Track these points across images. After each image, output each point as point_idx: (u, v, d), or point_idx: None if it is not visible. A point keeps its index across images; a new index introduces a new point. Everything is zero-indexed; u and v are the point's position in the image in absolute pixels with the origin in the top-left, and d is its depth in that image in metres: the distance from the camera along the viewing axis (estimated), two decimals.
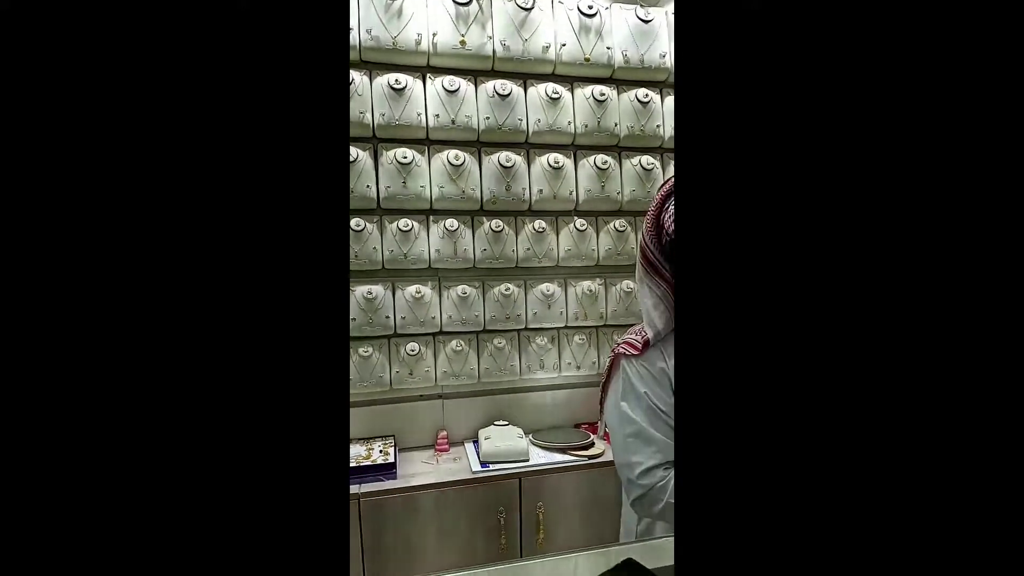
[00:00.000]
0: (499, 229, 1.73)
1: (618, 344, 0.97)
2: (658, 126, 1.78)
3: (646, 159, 1.79)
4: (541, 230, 1.76)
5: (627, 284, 1.83)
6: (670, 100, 1.80)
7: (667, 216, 0.86)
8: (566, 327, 1.84)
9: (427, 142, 1.69)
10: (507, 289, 1.76)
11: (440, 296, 1.74)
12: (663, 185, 0.90)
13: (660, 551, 0.77)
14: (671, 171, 1.80)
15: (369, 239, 1.64)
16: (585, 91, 1.75)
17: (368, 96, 1.59)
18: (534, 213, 1.79)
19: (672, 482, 0.84)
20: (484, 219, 1.74)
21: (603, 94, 1.75)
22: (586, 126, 1.75)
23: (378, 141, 1.65)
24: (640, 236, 0.91)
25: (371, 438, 1.73)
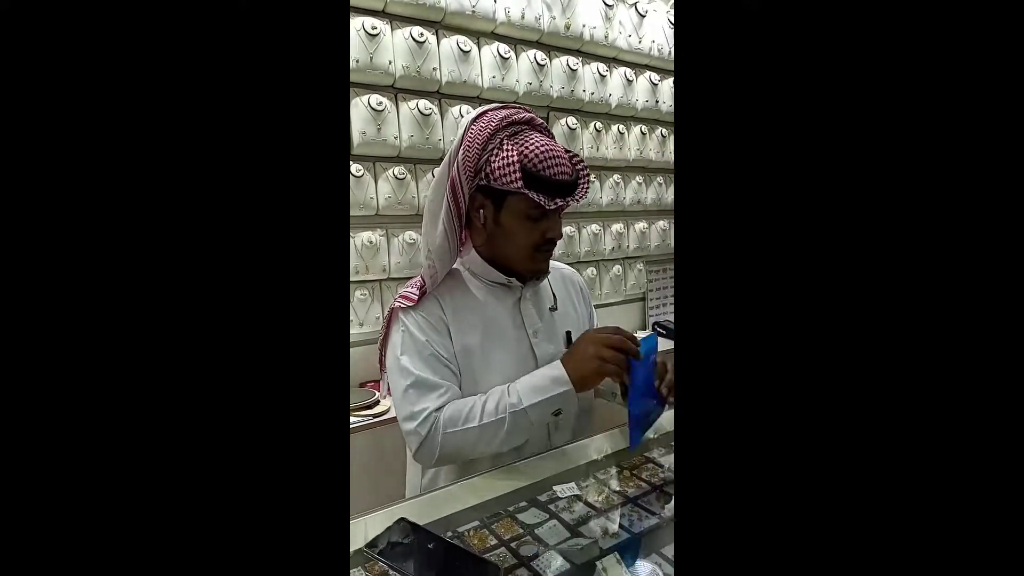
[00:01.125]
0: None
1: (394, 299, 0.92)
2: (434, 69, 1.71)
3: (424, 103, 1.71)
4: None
5: (410, 235, 1.76)
6: (446, 42, 1.74)
7: (495, 156, 0.81)
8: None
9: None
10: None
11: None
12: (475, 122, 0.83)
13: (437, 503, 0.76)
14: (450, 117, 1.77)
15: None
16: (355, 23, 1.59)
17: None
18: None
19: (443, 414, 0.82)
20: None
21: (375, 28, 1.60)
22: (357, 61, 1.59)
23: None
24: (451, 172, 0.83)
25: None
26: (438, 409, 0.83)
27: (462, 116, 1.77)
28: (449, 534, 0.67)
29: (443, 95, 1.79)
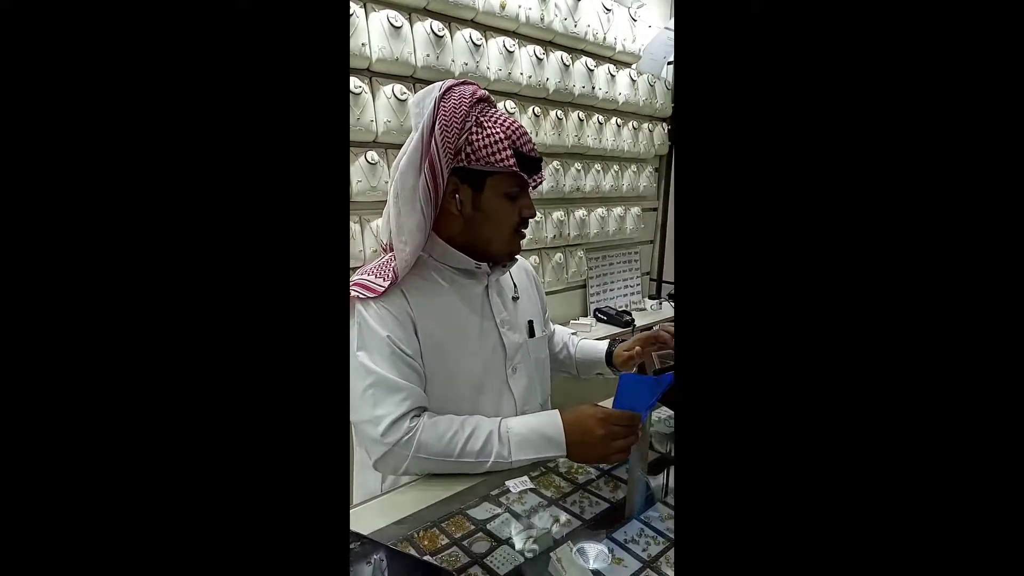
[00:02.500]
0: None
1: (349, 287, 0.82)
2: (410, 53, 1.63)
3: (399, 88, 1.63)
4: None
5: (374, 224, 1.67)
6: (419, 25, 1.66)
7: (476, 135, 0.78)
8: None
9: None
10: None
11: None
12: (444, 99, 0.78)
13: (384, 508, 0.73)
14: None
15: None
16: None
17: None
18: None
19: (419, 434, 0.76)
20: None
21: (352, 12, 1.50)
22: None
23: None
24: (429, 151, 0.78)
25: None
26: (404, 416, 0.77)
27: None
28: (399, 539, 0.64)
29: (415, 80, 1.70)
